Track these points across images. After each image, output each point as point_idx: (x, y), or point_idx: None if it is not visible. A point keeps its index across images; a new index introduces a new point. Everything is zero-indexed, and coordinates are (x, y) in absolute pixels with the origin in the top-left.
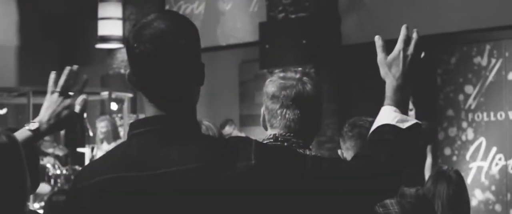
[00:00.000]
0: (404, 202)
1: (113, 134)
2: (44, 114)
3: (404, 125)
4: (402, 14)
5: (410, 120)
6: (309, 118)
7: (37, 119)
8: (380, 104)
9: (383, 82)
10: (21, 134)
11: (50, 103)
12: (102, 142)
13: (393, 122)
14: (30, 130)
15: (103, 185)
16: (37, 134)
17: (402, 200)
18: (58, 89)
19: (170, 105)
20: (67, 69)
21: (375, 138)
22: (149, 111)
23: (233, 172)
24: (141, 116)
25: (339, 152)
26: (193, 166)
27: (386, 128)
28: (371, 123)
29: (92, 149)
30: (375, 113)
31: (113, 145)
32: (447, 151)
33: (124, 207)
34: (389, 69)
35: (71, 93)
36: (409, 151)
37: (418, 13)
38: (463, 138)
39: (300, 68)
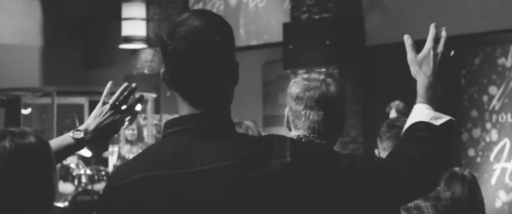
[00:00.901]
0: (440, 205)
1: (139, 136)
2: (91, 123)
3: (438, 122)
4: (425, 15)
5: (444, 117)
6: (332, 119)
7: (82, 127)
8: (408, 104)
9: (406, 83)
10: (64, 141)
11: (99, 113)
12: (129, 144)
13: (426, 119)
14: (73, 138)
15: (138, 184)
16: (80, 143)
17: (438, 203)
18: (111, 102)
19: (204, 103)
20: (124, 85)
21: (409, 136)
22: (183, 109)
23: (268, 169)
24: (165, 116)
25: (376, 151)
26: (227, 163)
27: (420, 125)
28: None
29: (117, 151)
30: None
31: (139, 146)
32: (471, 152)
33: (159, 205)
34: (420, 67)
35: (123, 107)
36: (443, 148)
37: (442, 14)
38: (487, 139)
39: (324, 70)
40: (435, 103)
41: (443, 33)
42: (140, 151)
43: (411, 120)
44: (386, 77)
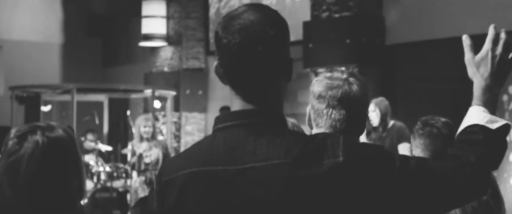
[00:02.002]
0: (467, 206)
1: (155, 133)
2: None
3: (494, 126)
4: (445, 14)
5: (500, 120)
6: (354, 118)
7: None
8: (424, 103)
9: (425, 82)
10: None
11: None
12: (143, 141)
13: (482, 122)
14: None
15: (188, 179)
16: None
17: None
18: None
19: (257, 99)
20: None
21: (464, 138)
22: (235, 104)
23: (320, 169)
24: (184, 114)
25: (399, 147)
26: (279, 161)
27: (476, 128)
28: (444, 122)
29: (132, 147)
30: (418, 112)
31: (153, 143)
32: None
33: (209, 201)
34: (477, 69)
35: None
36: (497, 152)
37: (462, 13)
38: (507, 139)
39: (344, 68)
40: (491, 106)
41: (503, 35)
42: (154, 148)
43: (466, 122)
44: (406, 76)
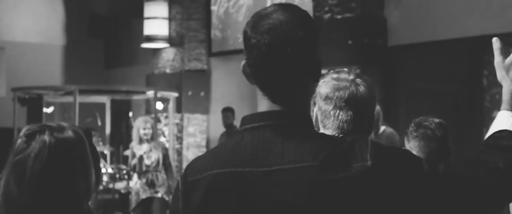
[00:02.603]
0: None
1: (154, 135)
2: None
3: None
4: (448, 15)
5: None
6: (362, 119)
7: None
8: (426, 105)
9: (427, 83)
10: None
11: None
12: (142, 142)
13: (511, 128)
14: None
15: (215, 179)
16: None
17: None
18: None
19: (285, 99)
20: None
21: (492, 144)
22: (262, 104)
23: (348, 173)
24: (186, 116)
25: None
26: (307, 164)
27: (504, 134)
28: (437, 124)
29: (132, 149)
30: (420, 113)
31: (152, 145)
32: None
33: (236, 202)
34: (507, 73)
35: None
36: None
37: (464, 14)
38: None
39: (346, 69)
40: None
41: None
42: (154, 150)
43: (495, 127)
44: (408, 78)
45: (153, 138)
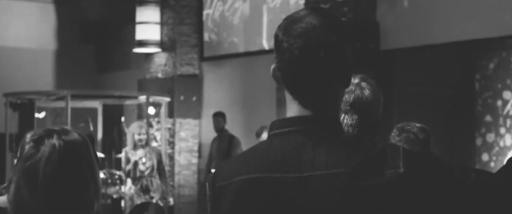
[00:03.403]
0: None
1: (148, 140)
2: None
3: None
4: (440, 19)
5: None
6: (367, 123)
7: None
8: (422, 108)
9: (421, 87)
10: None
11: None
12: (137, 148)
13: None
14: None
15: (245, 185)
16: None
17: None
18: None
19: (315, 104)
20: None
21: None
22: (292, 109)
23: (380, 180)
24: (179, 120)
25: None
26: (339, 171)
27: None
28: (419, 128)
29: (126, 154)
30: (414, 118)
31: (146, 150)
32: (485, 157)
33: (266, 208)
34: None
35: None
36: None
37: (456, 18)
38: (501, 143)
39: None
40: None
41: None
42: (149, 155)
43: None
44: (401, 82)
45: (148, 143)
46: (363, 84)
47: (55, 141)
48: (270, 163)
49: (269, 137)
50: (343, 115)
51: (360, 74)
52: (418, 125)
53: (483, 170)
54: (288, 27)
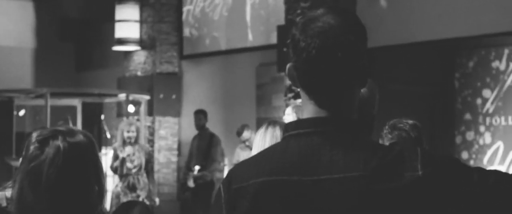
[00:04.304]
0: None
1: (137, 138)
2: None
3: None
4: (420, 17)
5: None
6: (362, 120)
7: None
8: (402, 106)
9: (404, 85)
10: None
11: None
12: (126, 145)
13: None
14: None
15: (262, 188)
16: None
17: None
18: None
19: (331, 105)
20: None
21: None
22: (308, 109)
23: (398, 183)
24: (158, 119)
25: None
26: (357, 174)
27: None
28: (411, 125)
29: (115, 151)
30: (393, 116)
31: (136, 148)
32: (465, 155)
33: (283, 211)
34: None
35: None
36: None
37: (436, 17)
38: (481, 142)
39: None
40: None
41: None
42: (137, 153)
43: None
44: (381, 80)
45: (137, 141)
46: None
47: (59, 142)
48: (287, 165)
49: (284, 138)
50: None
51: None
52: (410, 121)
53: (501, 172)
54: (305, 26)
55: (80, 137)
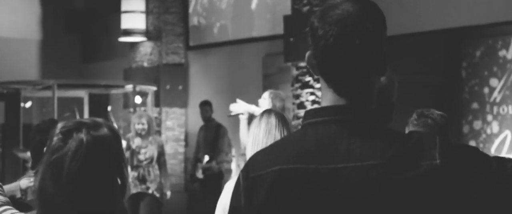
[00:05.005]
0: None
1: (151, 130)
2: None
3: None
4: (427, 7)
5: None
6: (381, 109)
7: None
8: (409, 96)
9: (410, 75)
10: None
11: None
12: (139, 137)
13: None
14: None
15: (279, 176)
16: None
17: None
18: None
19: (350, 93)
20: None
21: None
22: (326, 97)
23: (416, 171)
24: (165, 109)
25: None
26: (375, 162)
27: None
28: (439, 115)
29: (128, 142)
30: (400, 107)
31: (148, 140)
32: (472, 144)
33: (300, 199)
34: None
35: None
36: None
37: (443, 6)
38: (488, 131)
39: None
40: None
41: None
42: (150, 146)
43: None
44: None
45: (150, 133)
46: None
47: (83, 135)
48: (305, 153)
49: (303, 126)
50: None
51: None
52: (437, 111)
53: None
54: (323, 14)
55: (104, 130)
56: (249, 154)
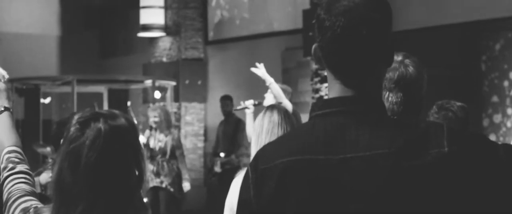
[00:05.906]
0: None
1: (166, 123)
2: None
3: None
4: (446, 1)
5: None
6: (411, 101)
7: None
8: (429, 90)
9: (430, 69)
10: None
11: None
12: (154, 131)
13: None
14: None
15: (288, 167)
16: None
17: None
18: None
19: (357, 84)
20: None
21: None
22: (334, 89)
23: (425, 160)
24: (184, 104)
25: None
26: (383, 151)
27: None
28: (460, 107)
29: (147, 137)
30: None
31: (165, 133)
32: (492, 138)
33: (310, 190)
34: None
35: None
36: None
37: (444, 2)
38: (508, 124)
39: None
40: None
41: None
42: (165, 138)
43: None
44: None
45: (163, 126)
46: (407, 61)
47: (101, 125)
48: (313, 144)
49: (311, 117)
50: (387, 93)
51: (402, 52)
52: (458, 103)
53: None
54: (330, 6)
55: (121, 120)
56: (253, 151)
